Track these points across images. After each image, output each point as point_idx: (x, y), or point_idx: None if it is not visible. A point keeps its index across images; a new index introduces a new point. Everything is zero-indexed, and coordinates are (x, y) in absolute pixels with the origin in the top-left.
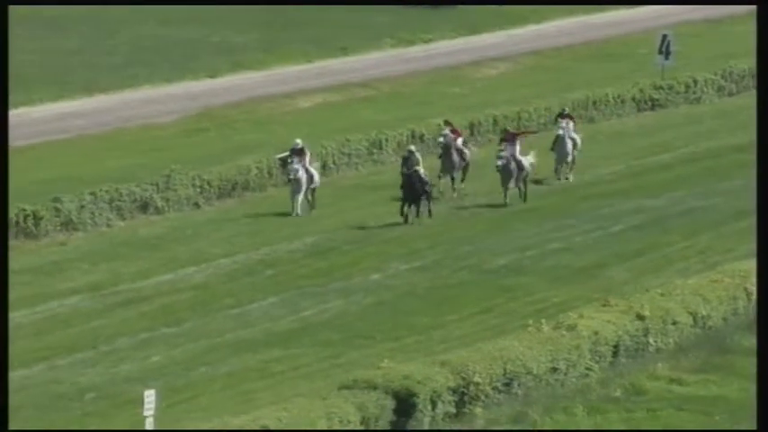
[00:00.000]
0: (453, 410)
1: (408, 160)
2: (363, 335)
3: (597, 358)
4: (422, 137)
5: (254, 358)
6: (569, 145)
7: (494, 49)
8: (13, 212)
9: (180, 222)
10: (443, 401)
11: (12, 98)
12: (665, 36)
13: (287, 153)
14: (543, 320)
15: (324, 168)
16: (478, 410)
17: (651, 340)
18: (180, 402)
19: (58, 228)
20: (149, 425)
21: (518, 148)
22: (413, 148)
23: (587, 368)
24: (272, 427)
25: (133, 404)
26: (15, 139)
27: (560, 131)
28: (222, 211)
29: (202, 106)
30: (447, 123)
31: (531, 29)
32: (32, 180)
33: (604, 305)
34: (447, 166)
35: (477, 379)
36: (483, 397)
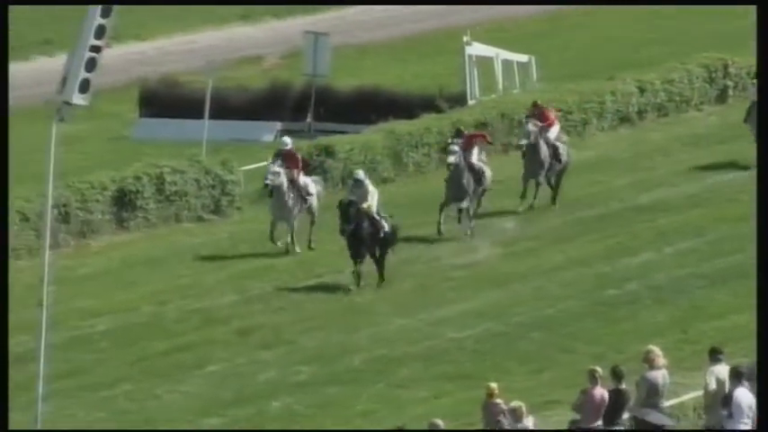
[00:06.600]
0: None
1: (352, 194)
2: None
3: None
4: None
5: None
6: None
7: None
8: None
9: None
10: None
11: None
12: None
13: None
14: None
15: None
16: None
17: None
18: None
19: None
20: None
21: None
22: (361, 174)
23: None
24: None
25: None
26: None
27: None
28: None
29: None
30: (458, 133)
31: None
32: None
33: None
34: (454, 193)
35: None
36: None
